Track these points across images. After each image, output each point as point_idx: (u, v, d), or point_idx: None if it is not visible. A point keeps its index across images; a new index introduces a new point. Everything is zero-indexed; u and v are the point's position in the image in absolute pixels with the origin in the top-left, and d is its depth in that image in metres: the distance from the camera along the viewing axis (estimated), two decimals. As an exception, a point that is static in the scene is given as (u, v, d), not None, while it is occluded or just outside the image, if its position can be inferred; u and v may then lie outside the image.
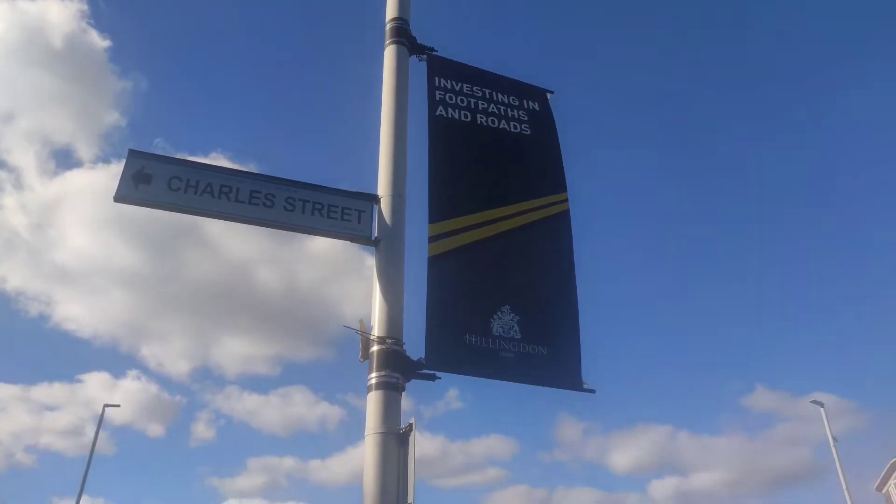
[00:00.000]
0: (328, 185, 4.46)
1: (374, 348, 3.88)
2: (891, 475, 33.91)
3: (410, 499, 3.42)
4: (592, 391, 4.32)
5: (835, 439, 25.86)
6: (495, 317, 4.22)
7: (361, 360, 3.93)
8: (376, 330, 3.95)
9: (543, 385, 4.29)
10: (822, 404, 26.32)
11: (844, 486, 24.91)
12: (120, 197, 3.96)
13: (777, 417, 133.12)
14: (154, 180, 4.01)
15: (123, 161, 4.04)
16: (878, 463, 37.52)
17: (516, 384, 4.26)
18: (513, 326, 4.21)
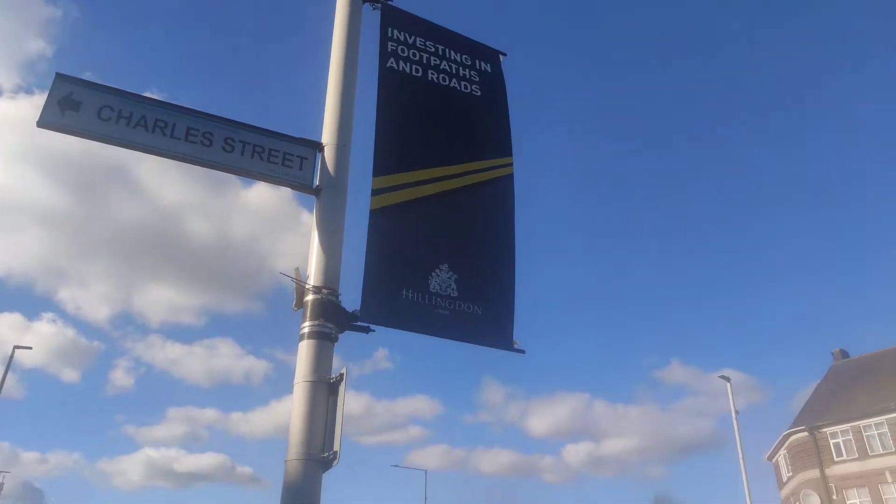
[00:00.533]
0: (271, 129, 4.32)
1: (309, 297, 3.83)
2: (781, 446, 36.61)
3: (336, 447, 3.44)
4: (522, 351, 4.44)
5: (737, 412, 27.65)
6: (434, 274, 4.24)
7: (295, 308, 3.88)
8: (312, 279, 3.91)
9: (476, 343, 4.37)
10: (728, 379, 28.01)
11: (741, 456, 26.75)
12: (44, 123, 3.70)
13: (687, 391, 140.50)
14: (83, 108, 3.77)
15: (48, 89, 3.78)
16: (772, 435, 40.37)
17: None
18: (450, 285, 4.25)
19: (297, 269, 3.94)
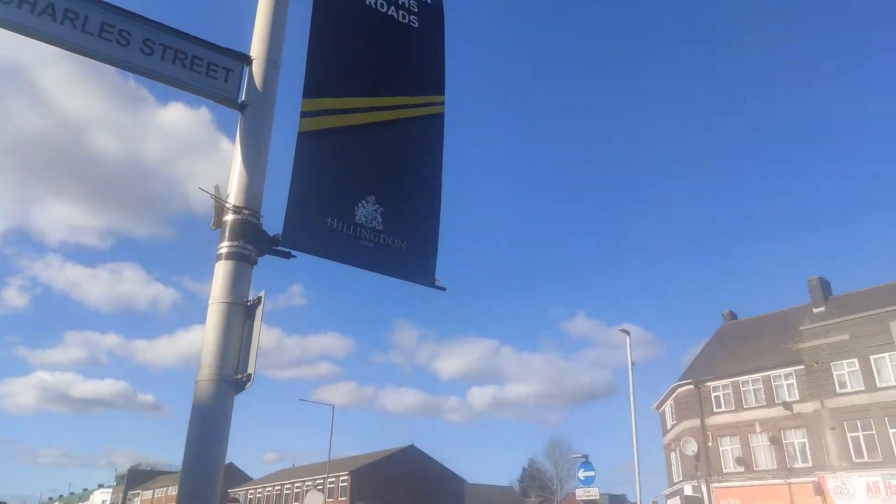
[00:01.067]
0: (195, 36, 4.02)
1: (229, 217, 3.67)
2: (668, 398, 39.46)
3: (251, 370, 3.38)
4: (443, 289, 4.48)
5: (633, 364, 29.41)
6: (360, 205, 4.16)
7: (213, 227, 3.72)
8: (233, 198, 3.74)
9: (399, 277, 4.36)
10: (628, 333, 29.63)
11: (632, 404, 28.61)
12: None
13: (590, 342, 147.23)
14: (-24, -13, 3.35)
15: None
16: (663, 387, 43.21)
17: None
18: (376, 217, 4.19)
19: (216, 187, 3.76)
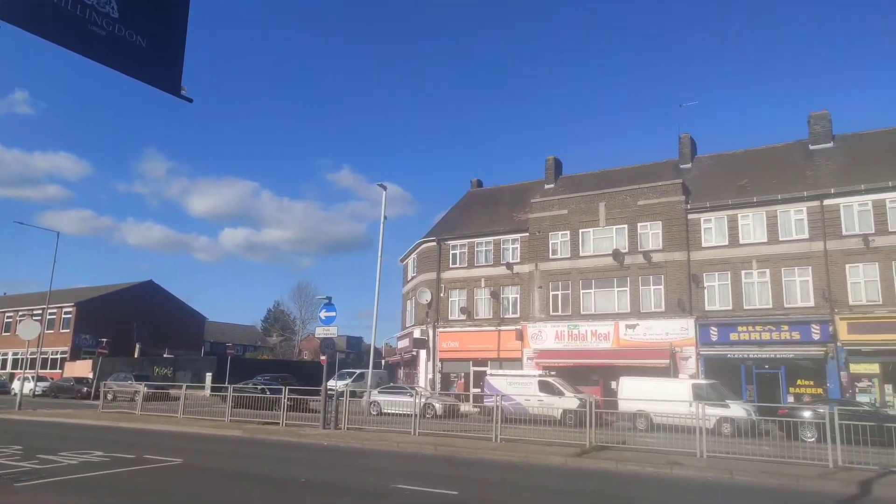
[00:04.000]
0: None
1: None
2: (413, 252, 42.64)
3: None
4: (189, 100, 4.20)
5: (385, 218, 30.92)
6: (91, -17, 3.61)
7: None
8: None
9: (137, 77, 3.97)
10: (384, 188, 30.82)
11: (379, 253, 30.42)
12: None
13: (352, 196, 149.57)
14: None
15: None
16: (412, 243, 46.14)
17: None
18: (110, 2, 3.69)
19: None
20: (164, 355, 54.16)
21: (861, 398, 26.15)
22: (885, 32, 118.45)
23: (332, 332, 21.50)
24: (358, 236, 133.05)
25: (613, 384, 28.06)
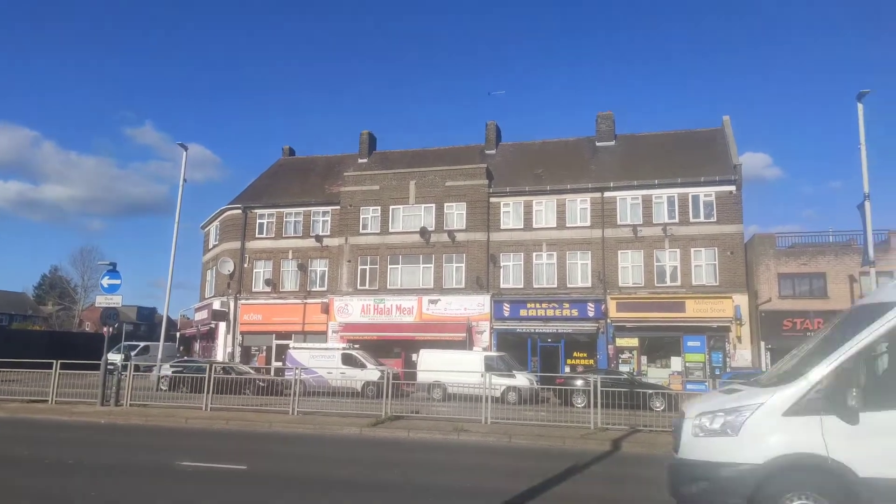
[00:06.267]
0: None
1: None
2: (216, 219, 40.32)
3: None
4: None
5: (185, 181, 28.82)
6: None
7: None
8: None
9: None
10: (185, 148, 28.66)
11: (177, 218, 28.33)
12: None
13: (153, 154, 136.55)
14: None
15: None
16: (217, 209, 43.67)
17: None
18: None
19: None
20: None
21: (623, 368, 30.03)
22: (675, 40, 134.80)
23: (115, 301, 19.72)
24: (158, 199, 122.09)
25: (414, 357, 29.16)
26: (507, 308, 32.58)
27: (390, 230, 35.26)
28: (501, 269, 33.34)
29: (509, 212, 33.95)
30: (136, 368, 21.08)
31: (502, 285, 33.15)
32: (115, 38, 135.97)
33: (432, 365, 25.28)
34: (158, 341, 29.31)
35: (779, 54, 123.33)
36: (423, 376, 24.90)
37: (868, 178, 22.40)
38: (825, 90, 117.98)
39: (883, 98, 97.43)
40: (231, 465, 10.35)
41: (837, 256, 29.62)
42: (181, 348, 44.59)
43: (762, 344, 29.63)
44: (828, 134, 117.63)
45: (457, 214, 34.39)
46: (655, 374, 29.91)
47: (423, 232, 34.23)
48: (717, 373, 29.12)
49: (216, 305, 36.88)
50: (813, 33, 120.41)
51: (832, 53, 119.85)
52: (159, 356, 27.85)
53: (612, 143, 36.82)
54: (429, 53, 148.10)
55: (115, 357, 27.48)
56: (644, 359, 31.10)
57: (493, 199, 34.15)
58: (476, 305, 32.90)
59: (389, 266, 34.88)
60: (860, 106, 22.44)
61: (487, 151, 38.98)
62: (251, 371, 26.80)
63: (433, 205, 34.79)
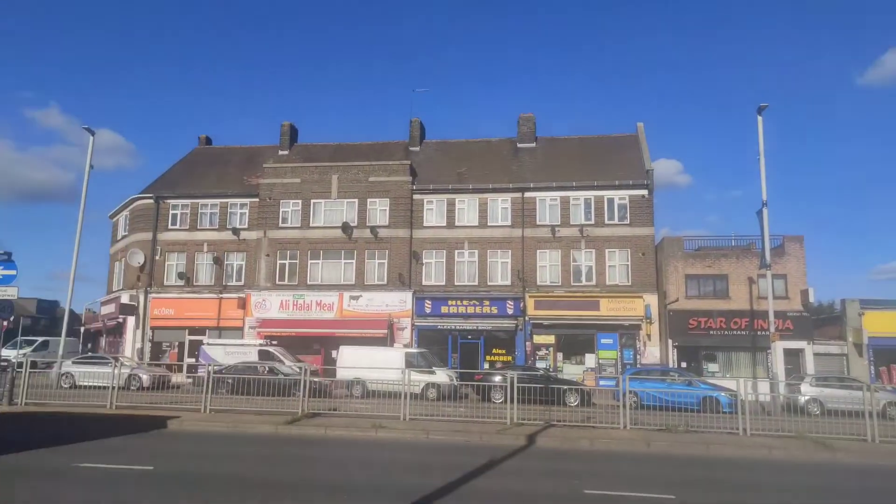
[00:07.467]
0: None
1: None
2: (125, 208, 38.38)
3: None
4: None
5: (91, 167, 27.30)
6: None
7: None
8: None
9: None
10: (92, 133, 27.12)
11: (82, 206, 26.76)
12: None
13: (58, 138, 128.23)
14: None
15: None
16: (125, 197, 41.64)
17: None
18: None
19: None
20: None
21: (540, 364, 30.81)
22: (596, 48, 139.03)
23: (10, 293, 18.42)
24: (62, 186, 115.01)
25: (334, 353, 28.82)
26: (428, 305, 32.72)
27: (311, 224, 34.67)
28: (424, 266, 33.45)
29: (432, 209, 34.10)
30: (34, 365, 19.79)
31: (424, 282, 33.27)
32: (16, 7, 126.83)
33: (353, 362, 25.10)
34: (60, 336, 27.58)
35: (694, 65, 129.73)
36: (343, 373, 24.68)
37: (766, 186, 23.98)
38: (730, 102, 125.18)
39: (780, 113, 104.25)
40: (134, 465, 9.90)
41: (738, 259, 31.53)
42: (90, 345, 42.17)
43: (669, 342, 31.15)
44: (734, 144, 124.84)
45: (380, 210, 34.23)
46: (570, 371, 30.88)
47: (346, 227, 33.86)
48: (629, 370, 30.41)
49: (124, 299, 35.10)
50: (727, 41, 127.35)
51: (740, 64, 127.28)
52: (60, 352, 26.23)
53: (533, 144, 37.64)
54: (355, 48, 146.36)
55: (10, 353, 25.66)
56: (560, 355, 32.02)
57: (416, 197, 34.20)
58: (398, 302, 32.86)
59: (310, 261, 34.29)
60: (760, 119, 23.98)
61: (412, 148, 38.99)
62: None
63: (356, 200, 34.48)
